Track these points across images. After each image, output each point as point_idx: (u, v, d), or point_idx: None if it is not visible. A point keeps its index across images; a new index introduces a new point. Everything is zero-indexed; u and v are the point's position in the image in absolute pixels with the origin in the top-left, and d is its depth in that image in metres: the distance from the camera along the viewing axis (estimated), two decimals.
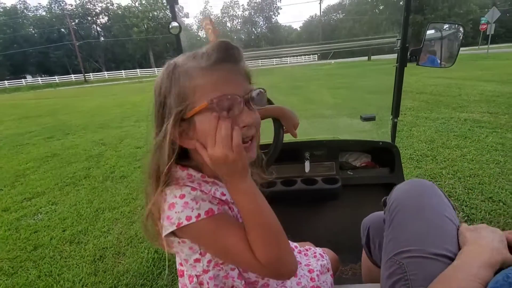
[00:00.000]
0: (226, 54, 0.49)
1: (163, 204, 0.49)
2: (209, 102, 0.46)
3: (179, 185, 0.49)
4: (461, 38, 1.18)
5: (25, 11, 43.65)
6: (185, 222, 0.45)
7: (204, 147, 0.48)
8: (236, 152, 0.44)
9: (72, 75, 34.56)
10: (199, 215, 0.46)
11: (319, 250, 0.78)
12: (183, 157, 0.54)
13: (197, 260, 0.53)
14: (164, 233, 0.47)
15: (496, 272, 0.45)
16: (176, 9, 1.07)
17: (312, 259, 0.73)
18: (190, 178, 0.52)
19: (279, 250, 0.48)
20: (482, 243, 0.49)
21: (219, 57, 0.48)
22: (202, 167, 0.54)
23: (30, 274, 1.60)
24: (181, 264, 0.58)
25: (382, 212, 0.71)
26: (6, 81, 31.11)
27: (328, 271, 0.73)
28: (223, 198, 0.53)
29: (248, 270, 0.54)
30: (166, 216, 0.47)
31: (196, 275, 0.54)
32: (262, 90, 0.52)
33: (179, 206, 0.47)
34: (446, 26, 1.27)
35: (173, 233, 0.49)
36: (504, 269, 0.45)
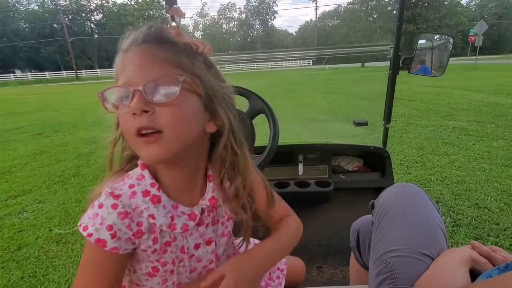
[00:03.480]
0: (147, 33, 0.43)
1: (94, 195, 0.46)
2: (99, 97, 0.44)
3: (115, 189, 0.45)
4: (451, 48, 1.22)
5: (16, 4, 42.71)
6: (81, 230, 0.44)
7: None
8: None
9: (64, 72, 33.87)
10: (91, 234, 0.43)
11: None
12: None
13: None
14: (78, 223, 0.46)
15: (471, 272, 0.50)
16: None
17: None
18: (140, 180, 0.47)
19: None
20: (454, 248, 0.57)
21: (136, 37, 0.43)
22: (157, 171, 0.49)
23: (12, 275, 1.54)
24: None
25: (371, 215, 0.73)
26: None
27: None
28: (151, 221, 0.45)
29: None
30: (86, 211, 0.46)
31: None
32: (177, 77, 0.41)
33: (91, 212, 0.44)
34: (437, 36, 1.32)
35: None
36: (484, 270, 0.49)
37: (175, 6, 1.08)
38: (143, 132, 0.41)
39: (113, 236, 0.43)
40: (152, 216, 0.46)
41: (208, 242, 0.52)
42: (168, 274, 0.50)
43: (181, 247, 0.49)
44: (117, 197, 0.44)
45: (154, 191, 0.47)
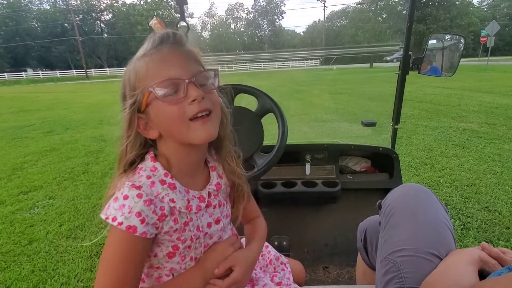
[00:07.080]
0: (166, 36, 0.51)
1: (115, 189, 0.50)
2: (150, 92, 0.48)
3: (135, 181, 0.49)
4: (462, 49, 1.21)
5: (29, 4, 43.66)
6: (110, 221, 0.47)
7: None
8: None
9: (74, 70, 34.50)
10: (121, 223, 0.46)
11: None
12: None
13: None
14: (100, 213, 0.49)
15: (480, 272, 0.50)
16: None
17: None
18: (154, 171, 0.52)
19: None
20: (464, 248, 0.57)
21: (157, 40, 0.50)
22: (170, 160, 0.54)
23: (23, 268, 1.58)
24: None
25: (378, 215, 0.73)
26: (5, 74, 30.92)
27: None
28: (171, 205, 0.51)
29: None
30: (108, 204, 0.49)
31: None
32: (213, 71, 0.53)
33: (117, 204, 0.47)
34: (447, 37, 1.29)
35: None
36: (493, 271, 0.49)
37: (185, 6, 1.10)
38: (199, 115, 0.49)
39: (142, 221, 0.47)
40: (172, 200, 0.51)
41: (217, 221, 0.59)
42: (187, 250, 0.55)
43: (197, 226, 0.55)
44: (139, 187, 0.48)
45: (168, 179, 0.52)
